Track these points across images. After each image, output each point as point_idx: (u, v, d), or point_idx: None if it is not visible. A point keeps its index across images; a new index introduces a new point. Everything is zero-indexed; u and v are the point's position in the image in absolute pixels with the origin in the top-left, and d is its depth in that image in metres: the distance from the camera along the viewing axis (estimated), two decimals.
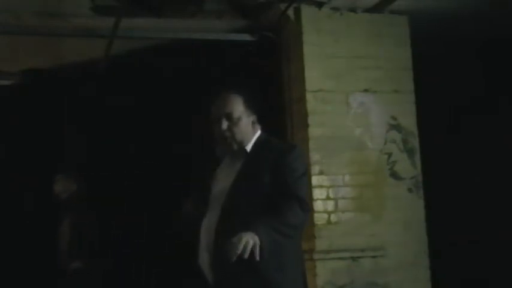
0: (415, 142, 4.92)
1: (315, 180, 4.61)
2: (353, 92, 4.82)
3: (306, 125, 4.66)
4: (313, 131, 4.65)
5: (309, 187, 4.56)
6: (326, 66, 4.77)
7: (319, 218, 4.59)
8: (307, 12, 4.78)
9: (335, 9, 4.83)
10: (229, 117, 2.74)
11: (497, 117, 6.03)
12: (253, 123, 2.79)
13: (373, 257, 4.67)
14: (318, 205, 4.60)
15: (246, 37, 5.05)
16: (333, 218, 4.64)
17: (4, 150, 5.89)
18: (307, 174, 2.82)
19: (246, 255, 2.39)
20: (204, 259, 2.68)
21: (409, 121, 4.92)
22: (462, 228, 5.92)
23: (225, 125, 2.73)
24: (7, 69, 5.82)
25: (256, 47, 5.07)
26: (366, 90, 4.85)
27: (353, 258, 4.62)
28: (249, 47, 5.07)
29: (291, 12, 4.79)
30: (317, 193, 4.61)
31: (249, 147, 2.77)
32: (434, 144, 5.37)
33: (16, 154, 5.92)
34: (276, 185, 2.64)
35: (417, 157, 4.92)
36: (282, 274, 2.60)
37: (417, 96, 4.96)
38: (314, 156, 4.63)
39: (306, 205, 2.67)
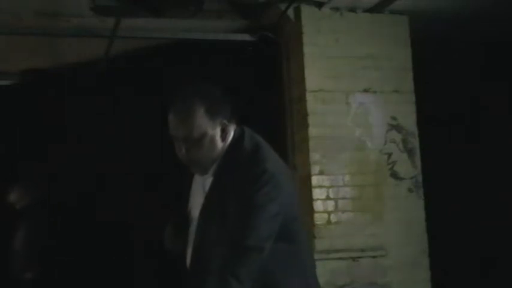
0: (415, 142, 4.92)
1: (315, 180, 4.61)
2: (353, 92, 4.82)
3: (306, 125, 4.66)
4: (313, 131, 4.64)
5: (309, 187, 4.56)
6: (326, 66, 4.77)
7: (319, 218, 4.59)
8: (307, 12, 4.77)
9: (335, 9, 4.83)
10: (187, 140, 2.17)
11: (497, 118, 6.03)
12: (223, 131, 2.21)
13: (373, 257, 4.67)
14: (318, 205, 4.60)
15: (246, 37, 5.04)
16: (333, 218, 4.64)
17: (4, 150, 5.89)
18: (269, 208, 2.11)
19: None
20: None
21: (409, 121, 4.92)
22: (462, 228, 5.92)
23: (183, 149, 2.18)
24: (7, 69, 5.82)
25: (256, 47, 5.06)
26: (366, 90, 4.85)
27: (353, 258, 4.62)
28: (249, 47, 5.06)
29: (291, 12, 4.79)
30: (317, 193, 4.61)
31: (215, 164, 2.22)
32: (434, 144, 5.37)
33: (17, 154, 5.93)
34: (232, 219, 2.10)
35: (417, 157, 4.91)
36: None
37: (417, 96, 4.96)
38: (314, 156, 4.63)
39: (244, 252, 2.07)
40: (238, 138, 2.26)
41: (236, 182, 2.14)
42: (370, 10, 4.89)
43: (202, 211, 2.23)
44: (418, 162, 4.91)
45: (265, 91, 5.06)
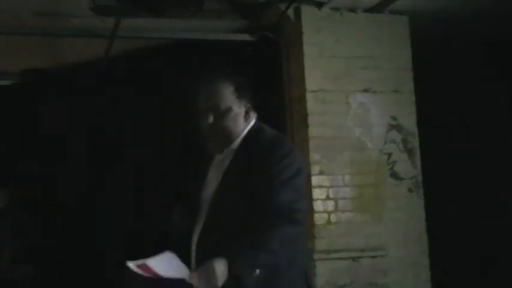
0: (415, 142, 4.92)
1: (315, 180, 4.61)
2: (353, 92, 4.82)
3: (306, 125, 4.66)
4: (313, 131, 4.65)
5: (309, 187, 4.56)
6: (326, 66, 4.77)
7: (319, 218, 4.59)
8: (307, 12, 4.78)
9: (335, 9, 4.83)
10: (215, 109, 2.35)
11: (497, 118, 6.03)
12: (246, 113, 2.40)
13: (373, 257, 4.67)
14: (318, 205, 4.60)
15: (246, 37, 5.05)
16: (333, 218, 4.64)
17: (4, 150, 5.89)
18: (299, 176, 2.33)
19: None
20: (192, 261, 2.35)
21: (409, 121, 4.92)
22: (462, 228, 5.92)
23: (210, 118, 2.35)
24: (7, 69, 5.82)
25: (256, 47, 5.06)
26: (365, 90, 4.85)
27: (353, 258, 4.62)
28: (249, 47, 5.06)
29: (291, 12, 4.79)
30: (317, 193, 4.61)
31: (236, 143, 2.37)
32: (434, 144, 5.37)
33: (17, 154, 5.93)
34: (259, 193, 2.22)
35: (417, 157, 4.92)
36: (268, 285, 2.21)
37: (417, 96, 4.96)
38: (314, 156, 4.63)
39: (297, 223, 2.24)
40: (259, 125, 2.46)
41: (262, 159, 2.27)
42: (370, 10, 4.89)
43: (217, 190, 2.33)
44: (418, 162, 4.91)
45: (265, 91, 5.06)
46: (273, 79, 5.07)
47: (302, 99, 4.73)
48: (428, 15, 5.04)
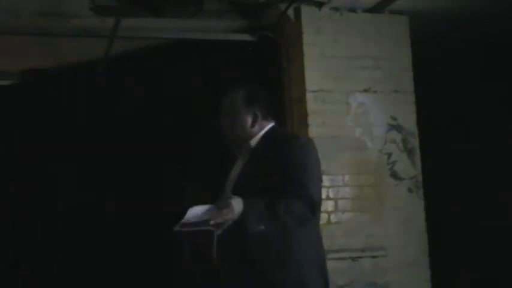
0: (415, 142, 4.92)
1: None
2: (353, 92, 4.82)
3: (306, 125, 4.66)
4: (313, 131, 4.65)
5: None
6: (326, 66, 4.77)
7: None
8: (307, 12, 4.78)
9: (335, 9, 4.83)
10: (227, 113, 2.77)
11: (497, 118, 6.03)
12: (255, 118, 2.73)
13: (373, 257, 4.67)
14: None
15: (246, 37, 5.04)
16: (333, 218, 4.64)
17: (4, 150, 5.89)
18: (314, 162, 2.65)
19: (219, 220, 2.34)
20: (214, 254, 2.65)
21: (409, 121, 4.92)
22: (462, 228, 5.92)
23: (224, 122, 2.77)
24: (7, 69, 5.82)
25: (256, 47, 5.07)
26: (366, 90, 4.85)
27: (353, 258, 4.62)
28: (249, 47, 5.07)
29: (291, 12, 4.79)
30: None
31: (254, 142, 2.73)
32: (434, 144, 5.38)
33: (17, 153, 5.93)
34: (278, 175, 2.53)
35: (417, 157, 4.91)
36: (283, 272, 2.50)
37: (417, 96, 4.96)
38: None
39: (311, 206, 2.52)
40: (276, 128, 2.81)
41: (279, 152, 2.58)
42: (370, 10, 4.89)
43: (236, 182, 2.65)
44: (418, 162, 4.91)
45: (265, 91, 5.06)
46: (273, 79, 5.07)
47: (302, 99, 4.73)
48: (428, 15, 5.04)
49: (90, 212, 5.72)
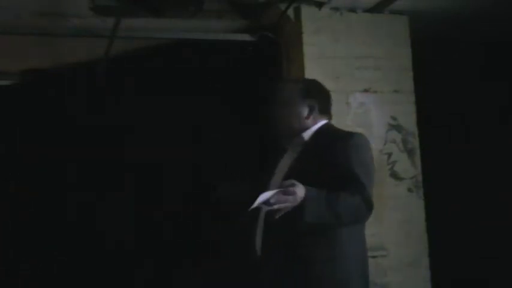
0: (415, 142, 4.92)
1: None
2: (353, 92, 4.82)
3: None
4: None
5: None
6: (326, 66, 4.76)
7: None
8: (307, 12, 4.77)
9: (335, 9, 4.83)
10: (282, 104, 2.74)
11: (497, 118, 6.03)
12: (311, 112, 2.73)
13: (373, 257, 4.66)
14: None
15: (246, 37, 5.04)
16: None
17: (4, 150, 5.89)
18: (371, 166, 2.69)
19: (281, 205, 2.30)
20: (258, 241, 2.63)
21: (409, 121, 4.92)
22: (462, 228, 5.92)
23: (278, 112, 2.74)
24: (7, 69, 5.81)
25: (256, 47, 5.06)
26: (366, 90, 4.85)
27: None
28: (249, 47, 5.06)
29: (291, 12, 4.79)
30: None
31: (307, 135, 2.71)
32: (434, 144, 5.37)
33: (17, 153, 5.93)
34: (335, 171, 2.52)
35: (417, 157, 4.91)
36: (330, 269, 2.48)
37: (417, 96, 4.96)
38: None
39: (368, 203, 2.56)
40: (331, 125, 2.79)
41: (336, 149, 2.56)
42: (370, 10, 4.89)
43: (287, 174, 2.58)
44: (418, 162, 4.91)
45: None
46: (273, 79, 5.07)
47: None
48: (428, 15, 5.04)
49: (90, 212, 5.72)
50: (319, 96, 2.83)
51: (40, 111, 5.92)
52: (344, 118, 4.75)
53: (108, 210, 5.68)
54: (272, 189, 2.55)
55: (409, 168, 4.87)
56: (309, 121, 2.72)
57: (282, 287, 2.52)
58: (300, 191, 2.34)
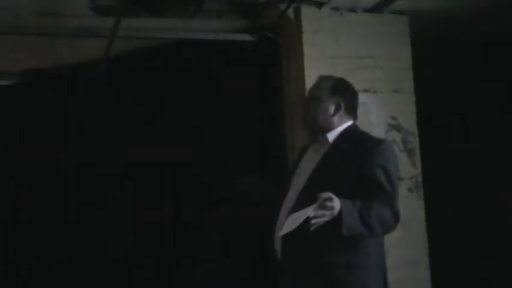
0: (415, 142, 4.92)
1: None
2: None
3: None
4: None
5: None
6: (326, 66, 4.76)
7: None
8: (307, 12, 4.77)
9: (335, 9, 4.83)
10: (310, 98, 2.75)
11: (497, 118, 6.03)
12: (337, 110, 2.73)
13: None
14: None
15: (246, 37, 5.04)
16: None
17: (4, 150, 5.89)
18: (396, 175, 2.68)
19: (319, 216, 2.28)
20: (278, 245, 2.61)
21: (409, 121, 4.92)
22: (462, 228, 5.92)
23: (306, 106, 2.75)
24: (7, 69, 5.81)
25: (256, 47, 5.06)
26: (366, 90, 4.85)
27: None
28: (249, 47, 5.06)
29: (291, 12, 4.79)
30: None
31: (332, 136, 2.70)
32: (434, 144, 5.37)
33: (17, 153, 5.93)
34: (362, 179, 2.51)
35: (417, 157, 4.91)
36: (350, 275, 2.47)
37: (417, 96, 4.96)
38: None
39: (396, 215, 2.58)
40: (357, 126, 2.80)
41: (364, 155, 2.54)
42: (370, 10, 4.89)
43: (313, 172, 2.59)
44: (418, 162, 4.91)
45: (265, 91, 5.06)
46: (273, 79, 5.07)
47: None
48: (429, 15, 5.04)
49: (90, 212, 5.72)
50: (346, 95, 2.83)
51: (40, 111, 5.92)
52: None
53: (108, 210, 5.69)
54: (294, 190, 2.58)
55: (409, 168, 4.87)
56: (335, 119, 2.72)
57: None
58: (337, 205, 2.33)
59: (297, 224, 2.30)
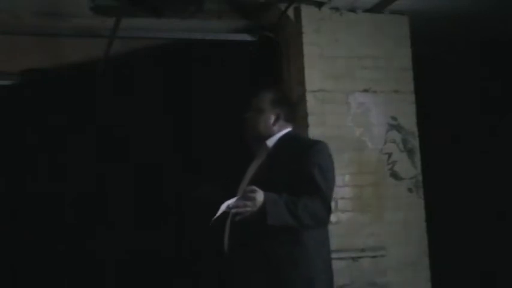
0: (415, 142, 4.92)
1: None
2: (353, 92, 4.82)
3: (306, 125, 4.65)
4: (313, 131, 4.64)
5: None
6: (326, 66, 4.77)
7: None
8: (307, 12, 4.77)
9: (335, 9, 4.83)
10: (254, 110, 2.98)
11: (497, 118, 6.03)
12: (276, 119, 2.95)
13: (373, 257, 4.67)
14: None
15: (246, 37, 5.04)
16: (333, 218, 4.62)
17: (4, 150, 5.89)
18: (332, 172, 2.85)
19: (241, 207, 2.51)
20: (226, 247, 2.80)
21: (409, 121, 4.92)
22: (462, 228, 5.92)
23: (250, 117, 2.99)
24: (7, 69, 5.81)
25: (256, 47, 5.06)
26: (365, 90, 4.85)
27: (353, 258, 4.62)
28: (249, 47, 5.07)
29: (291, 12, 4.79)
30: None
31: (271, 142, 2.93)
32: (434, 144, 5.37)
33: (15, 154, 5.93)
34: (297, 177, 2.70)
35: (417, 157, 4.91)
36: (295, 270, 2.64)
37: (417, 96, 4.96)
38: None
39: (327, 203, 2.72)
40: (295, 133, 3.03)
41: (298, 155, 2.75)
42: (370, 10, 4.89)
43: (253, 176, 2.82)
44: (418, 162, 4.91)
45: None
46: (273, 79, 5.07)
47: (302, 99, 4.72)
48: (428, 15, 5.04)
49: (90, 212, 5.72)
50: (285, 106, 3.03)
51: (40, 111, 5.92)
52: (344, 118, 4.76)
53: (108, 210, 5.69)
54: (239, 194, 2.74)
55: (409, 168, 4.87)
56: (275, 128, 2.95)
57: (248, 285, 2.70)
58: (260, 196, 2.53)
59: (220, 212, 2.55)
